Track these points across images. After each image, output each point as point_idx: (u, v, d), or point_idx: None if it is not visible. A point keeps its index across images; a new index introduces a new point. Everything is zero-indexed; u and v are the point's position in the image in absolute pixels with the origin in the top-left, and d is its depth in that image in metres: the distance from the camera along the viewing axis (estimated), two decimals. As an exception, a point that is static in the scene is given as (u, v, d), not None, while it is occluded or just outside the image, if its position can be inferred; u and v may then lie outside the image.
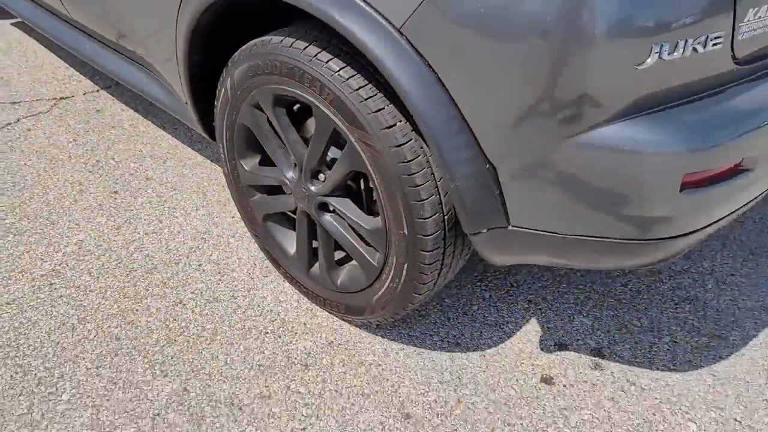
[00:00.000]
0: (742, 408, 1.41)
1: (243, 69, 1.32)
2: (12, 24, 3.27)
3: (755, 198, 1.14)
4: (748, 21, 0.94)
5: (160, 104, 1.78)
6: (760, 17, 0.95)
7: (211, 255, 1.74)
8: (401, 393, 1.39)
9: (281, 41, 1.20)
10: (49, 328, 1.47)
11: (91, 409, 1.29)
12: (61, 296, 1.56)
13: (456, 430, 1.32)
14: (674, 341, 1.57)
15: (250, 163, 1.52)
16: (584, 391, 1.43)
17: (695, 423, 1.37)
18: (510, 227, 1.09)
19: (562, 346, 1.54)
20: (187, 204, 1.95)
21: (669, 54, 0.88)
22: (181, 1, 1.37)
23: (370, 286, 1.36)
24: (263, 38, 1.25)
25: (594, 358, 1.51)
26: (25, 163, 2.10)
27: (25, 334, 1.45)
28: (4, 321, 1.48)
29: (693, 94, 0.98)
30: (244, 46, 1.31)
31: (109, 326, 1.49)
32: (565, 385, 1.44)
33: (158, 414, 1.29)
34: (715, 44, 0.91)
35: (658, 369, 1.50)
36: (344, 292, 1.44)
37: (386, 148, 1.10)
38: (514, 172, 1.02)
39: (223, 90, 1.42)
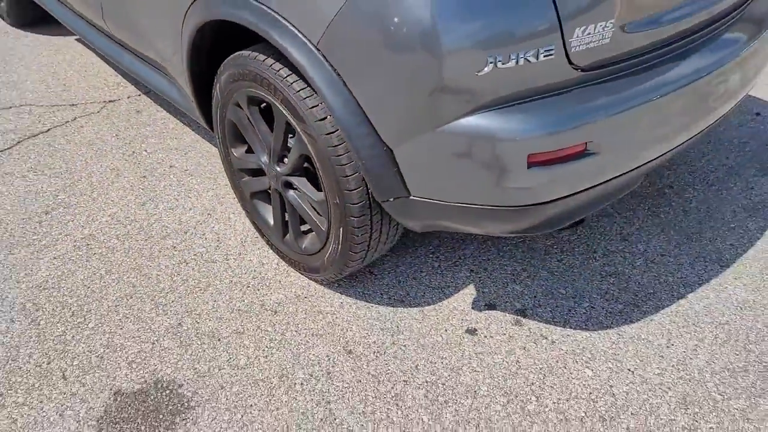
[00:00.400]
0: (638, 361, 1.65)
1: (226, 76, 1.70)
2: (76, 40, 3.82)
3: (614, 178, 1.40)
4: (578, 37, 1.21)
5: (177, 104, 2.19)
6: (589, 34, 1.22)
7: (213, 227, 2.13)
8: (348, 335, 1.72)
9: (249, 55, 1.57)
10: (84, 277, 1.90)
11: (108, 335, 1.70)
12: (94, 254, 1.99)
13: (387, 363, 1.64)
14: (592, 307, 1.82)
15: (238, 151, 1.90)
16: (501, 341, 1.71)
17: (591, 370, 1.63)
18: (411, 197, 1.41)
19: (491, 306, 1.83)
20: (201, 187, 2.35)
21: (503, 63, 1.17)
22: (182, 25, 1.76)
23: (323, 248, 1.70)
24: (238, 53, 1.62)
25: (516, 317, 1.79)
26: (76, 153, 2.57)
27: (65, 279, 1.88)
28: (51, 270, 1.92)
29: (541, 92, 1.26)
30: (227, 59, 1.68)
31: (128, 277, 1.90)
32: (485, 336, 1.73)
33: (157, 340, 1.68)
34: (547, 55, 1.20)
35: (571, 328, 1.76)
36: (307, 255, 1.79)
37: (320, 136, 1.44)
38: (406, 153, 1.33)
39: (215, 93, 1.80)
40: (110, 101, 3.05)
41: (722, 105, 1.60)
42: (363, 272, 1.93)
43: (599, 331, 1.74)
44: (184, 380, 1.57)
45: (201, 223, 2.15)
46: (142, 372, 1.59)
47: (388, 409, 1.52)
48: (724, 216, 2.17)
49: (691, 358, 1.66)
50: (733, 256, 2.00)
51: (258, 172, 1.89)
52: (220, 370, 1.60)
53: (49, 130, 2.77)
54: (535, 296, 1.86)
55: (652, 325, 1.76)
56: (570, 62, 1.24)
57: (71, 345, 1.67)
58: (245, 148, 1.89)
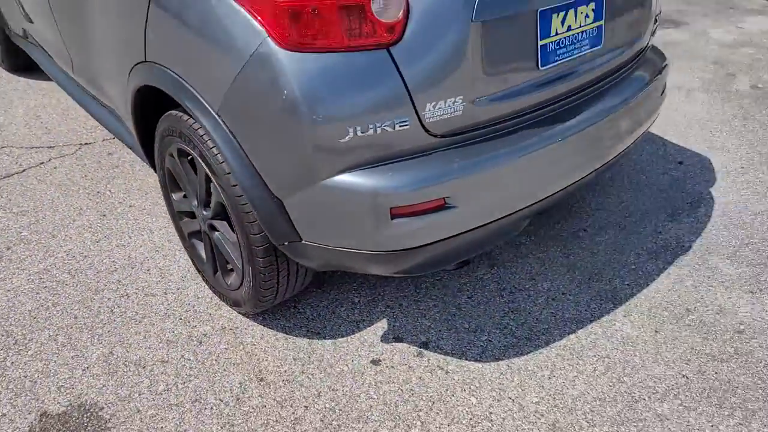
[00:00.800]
0: (520, 391, 1.82)
1: (161, 130, 1.93)
2: (61, 83, 4.12)
3: (482, 226, 1.60)
4: (430, 110, 1.43)
5: (132, 150, 2.42)
6: (440, 108, 1.44)
7: (159, 262, 2.34)
8: (262, 364, 1.91)
9: (176, 114, 1.80)
10: (32, 308, 2.10)
11: (44, 362, 1.89)
12: (45, 287, 2.20)
13: (293, 390, 1.82)
14: (489, 340, 2.00)
15: (177, 195, 2.12)
16: (401, 371, 1.89)
17: (476, 398, 1.80)
18: (303, 242, 1.61)
19: (398, 339, 2.01)
20: (154, 225, 2.57)
21: (363, 132, 1.39)
22: (127, 85, 2.01)
23: (241, 284, 1.90)
24: (169, 112, 1.86)
25: (419, 349, 1.97)
26: (45, 193, 2.81)
27: (14, 310, 2.09)
28: (2, 302, 2.13)
29: (404, 155, 1.48)
30: (162, 116, 1.92)
31: (72, 309, 2.10)
32: (388, 366, 1.91)
33: (87, 367, 1.87)
34: (403, 126, 1.42)
35: (466, 359, 1.93)
36: (231, 290, 1.99)
37: (228, 187, 1.66)
38: (293, 204, 1.55)
39: (155, 144, 2.03)
40: (85, 144, 3.30)
41: (590, 162, 1.82)
42: (287, 306, 2.13)
43: (491, 363, 1.92)
44: (105, 404, 1.75)
45: (148, 259, 2.36)
46: (69, 396, 1.78)
47: (285, 431, 1.69)
48: (628, 258, 2.36)
49: (568, 388, 1.82)
50: (627, 295, 2.18)
51: (192, 215, 2.11)
52: (139, 395, 1.79)
53: (24, 170, 3.02)
54: (440, 330, 2.04)
55: (540, 358, 1.93)
56: (426, 130, 1.46)
57: (9, 370, 1.86)
58: (183, 193, 2.11)
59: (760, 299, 2.15)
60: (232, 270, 2.02)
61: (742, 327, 2.04)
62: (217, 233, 1.94)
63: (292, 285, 1.88)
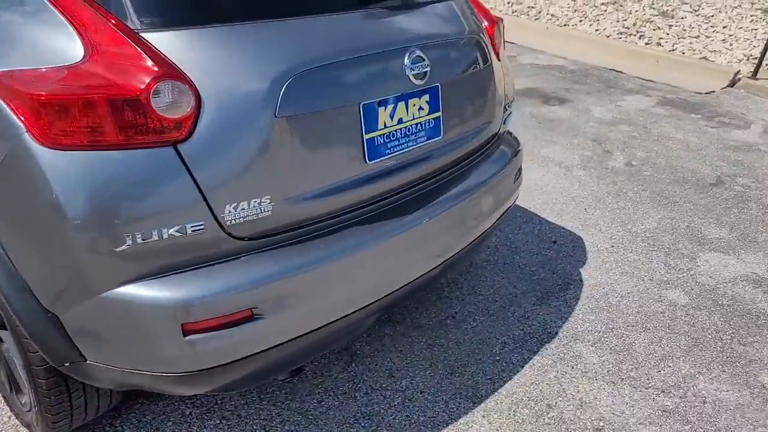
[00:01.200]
0: None
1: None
2: None
3: (306, 334, 1.42)
4: (230, 213, 1.27)
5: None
6: (243, 209, 1.29)
7: (-46, 374, 1.97)
8: (54, 504, 1.58)
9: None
10: None
11: None
12: None
13: None
14: (334, 455, 1.79)
15: (-30, 297, 1.81)
16: (225, 503, 1.63)
17: None
18: (87, 362, 1.36)
19: (229, 460, 1.75)
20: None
21: (144, 239, 1.20)
22: None
23: (31, 407, 1.59)
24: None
25: (252, 471, 1.72)
26: None
27: None
28: None
29: (203, 261, 1.30)
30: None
31: None
32: (210, 497, 1.64)
33: None
34: (197, 230, 1.24)
35: (305, 481, 1.70)
36: (26, 411, 1.67)
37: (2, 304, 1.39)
38: (71, 320, 1.31)
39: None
40: None
41: (435, 255, 1.71)
42: (102, 423, 1.82)
43: (332, 485, 1.70)
44: None
45: (-58, 370, 1.98)
46: None
47: None
48: (493, 348, 2.26)
49: None
50: (489, 391, 2.06)
51: (-13, 321, 1.80)
52: None
53: None
54: (279, 446, 1.81)
55: (388, 475, 1.74)
56: (229, 234, 1.29)
57: None
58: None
59: (620, 391, 2.10)
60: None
61: (601, 424, 1.95)
62: (5, 345, 1.64)
63: (94, 407, 1.60)
